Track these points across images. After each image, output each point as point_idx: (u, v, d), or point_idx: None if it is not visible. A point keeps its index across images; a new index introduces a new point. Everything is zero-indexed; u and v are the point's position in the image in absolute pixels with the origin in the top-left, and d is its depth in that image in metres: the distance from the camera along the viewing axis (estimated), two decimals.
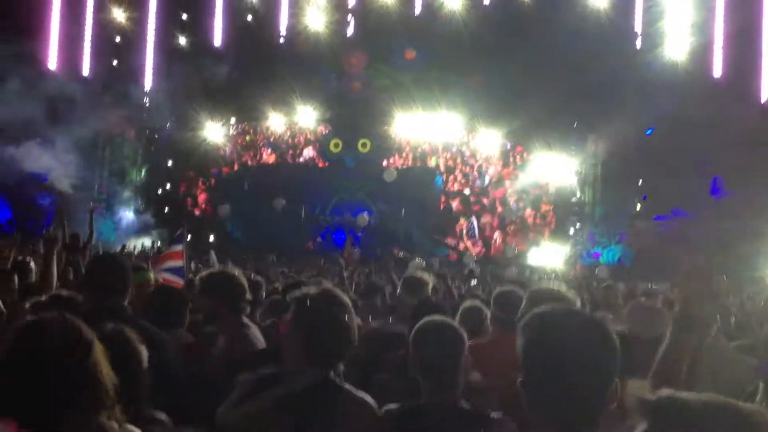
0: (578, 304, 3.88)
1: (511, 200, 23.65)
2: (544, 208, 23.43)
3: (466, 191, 24.30)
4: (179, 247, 8.06)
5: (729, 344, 4.97)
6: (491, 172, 24.38)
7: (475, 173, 24.50)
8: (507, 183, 23.97)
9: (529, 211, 23.44)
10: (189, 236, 8.48)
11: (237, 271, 4.59)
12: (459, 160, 24.74)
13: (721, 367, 4.51)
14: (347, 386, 3.03)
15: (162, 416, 2.85)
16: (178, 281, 7.61)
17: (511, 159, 24.24)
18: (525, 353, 2.10)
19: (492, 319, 4.79)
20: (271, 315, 5.41)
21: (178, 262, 7.89)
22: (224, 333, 4.21)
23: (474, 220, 23.78)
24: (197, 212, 24.72)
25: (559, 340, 2.06)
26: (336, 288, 3.36)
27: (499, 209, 23.70)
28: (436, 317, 3.46)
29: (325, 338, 3.08)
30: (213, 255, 12.71)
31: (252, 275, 6.52)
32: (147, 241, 20.05)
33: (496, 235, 23.47)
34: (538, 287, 4.30)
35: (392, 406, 3.17)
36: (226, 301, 4.23)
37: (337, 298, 3.17)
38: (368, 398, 3.04)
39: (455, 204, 24.10)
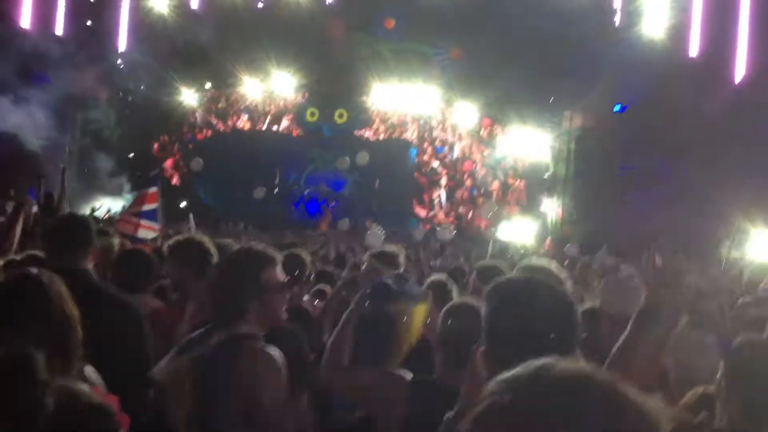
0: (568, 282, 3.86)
1: (480, 174, 23.71)
2: (513, 182, 23.52)
3: (435, 163, 24.33)
4: (154, 189, 8.00)
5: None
6: (462, 145, 24.42)
7: (446, 147, 24.54)
8: (477, 157, 24.02)
9: (496, 185, 23.53)
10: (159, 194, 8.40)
11: (204, 237, 4.59)
12: (429, 133, 24.74)
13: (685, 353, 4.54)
14: (251, 342, 3.00)
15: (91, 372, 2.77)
16: (154, 226, 7.58)
17: (482, 132, 24.27)
18: (488, 321, 2.13)
19: (476, 293, 4.79)
20: None
21: (153, 205, 7.84)
22: (191, 299, 4.21)
23: (443, 191, 23.85)
24: (171, 178, 24.49)
25: (522, 308, 2.09)
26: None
27: (468, 182, 23.76)
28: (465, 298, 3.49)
29: (226, 292, 3.13)
30: (192, 219, 12.63)
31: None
32: (116, 205, 19.84)
33: (464, 209, 23.57)
34: (528, 263, 4.29)
35: (406, 375, 3.20)
36: (192, 266, 4.24)
37: (248, 253, 3.22)
38: (274, 351, 2.99)
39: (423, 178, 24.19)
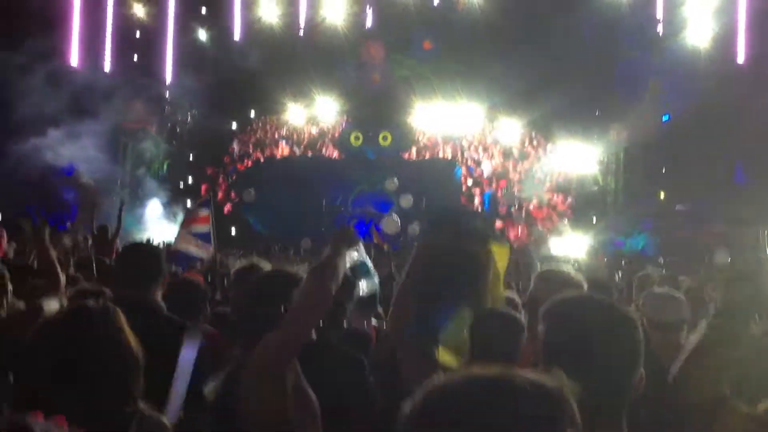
0: (585, 284, 3.80)
1: (519, 189, 23.54)
2: (559, 197, 23.28)
3: (469, 181, 24.25)
4: (206, 212, 8.07)
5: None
6: (503, 162, 24.30)
7: (487, 164, 24.44)
8: (517, 173, 23.87)
9: (536, 202, 23.29)
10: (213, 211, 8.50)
11: (267, 263, 4.61)
12: (470, 151, 24.68)
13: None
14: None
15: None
16: (207, 247, 7.66)
17: (526, 148, 24.14)
18: (547, 340, 2.10)
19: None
20: None
21: (205, 227, 7.92)
22: None
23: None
24: (222, 206, 24.78)
25: (582, 327, 2.04)
26: None
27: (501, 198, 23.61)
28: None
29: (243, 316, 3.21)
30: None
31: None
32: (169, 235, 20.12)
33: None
34: (548, 269, 4.24)
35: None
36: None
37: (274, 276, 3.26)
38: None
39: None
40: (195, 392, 3.41)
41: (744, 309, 2.71)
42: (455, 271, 3.24)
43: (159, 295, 3.94)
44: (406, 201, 22.65)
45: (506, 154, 24.32)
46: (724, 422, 2.70)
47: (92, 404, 2.26)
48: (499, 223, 22.53)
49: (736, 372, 3.21)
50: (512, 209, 23.43)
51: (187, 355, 3.44)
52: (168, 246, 14.34)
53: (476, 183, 24.29)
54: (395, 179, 22.89)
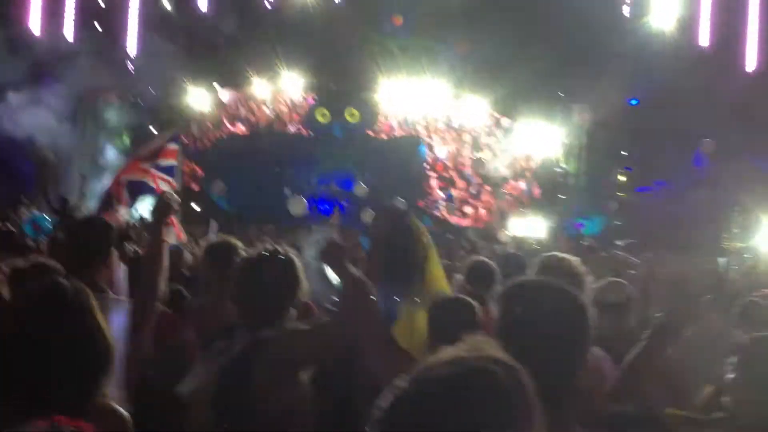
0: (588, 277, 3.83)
1: (485, 170, 23.61)
2: (523, 178, 23.42)
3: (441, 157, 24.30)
4: (174, 146, 7.93)
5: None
6: (468, 141, 24.32)
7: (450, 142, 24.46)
8: (484, 152, 23.92)
9: (511, 183, 23.41)
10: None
11: (237, 241, 4.58)
12: (438, 128, 24.68)
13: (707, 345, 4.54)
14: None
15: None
16: (172, 182, 7.50)
17: (491, 128, 24.18)
18: (501, 324, 2.15)
19: (459, 290, 4.77)
20: None
21: (171, 161, 7.78)
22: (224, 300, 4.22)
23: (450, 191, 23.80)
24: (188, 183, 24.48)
25: (536, 313, 2.09)
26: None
27: (477, 179, 23.66)
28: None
29: (253, 299, 3.08)
30: (214, 224, 12.55)
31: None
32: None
33: (470, 207, 23.49)
34: (548, 256, 4.25)
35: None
36: (225, 268, 4.18)
37: (277, 259, 3.16)
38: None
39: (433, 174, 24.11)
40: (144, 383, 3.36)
41: (687, 309, 2.77)
42: (407, 258, 3.29)
43: (107, 274, 3.87)
44: (361, 189, 22.60)
45: (470, 133, 24.32)
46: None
47: (62, 390, 2.18)
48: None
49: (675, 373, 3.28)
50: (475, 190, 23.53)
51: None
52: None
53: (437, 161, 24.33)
54: (363, 184, 22.78)
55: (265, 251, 3.30)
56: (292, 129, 25.27)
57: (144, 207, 10.40)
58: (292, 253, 3.28)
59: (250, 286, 3.12)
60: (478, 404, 1.31)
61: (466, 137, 24.37)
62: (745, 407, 2.69)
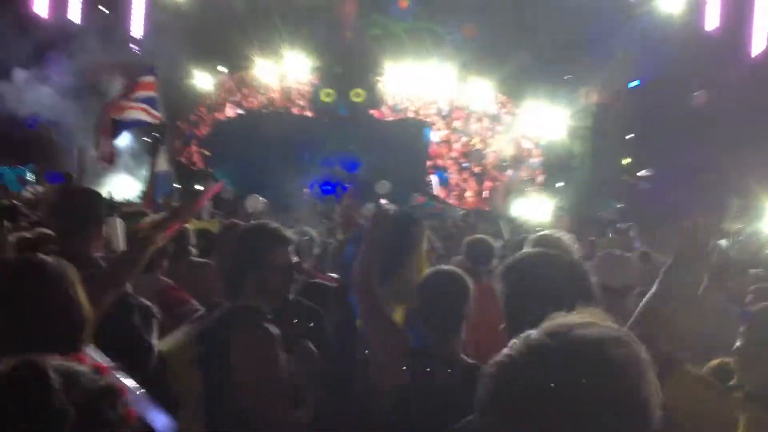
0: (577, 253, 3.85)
1: (491, 152, 23.65)
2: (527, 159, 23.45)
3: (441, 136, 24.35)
4: (151, 79, 7.75)
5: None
6: (474, 123, 24.34)
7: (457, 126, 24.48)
8: (488, 135, 23.94)
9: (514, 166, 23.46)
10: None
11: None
12: (442, 112, 24.71)
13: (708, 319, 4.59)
14: (253, 316, 3.07)
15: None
16: (156, 114, 7.31)
17: (497, 110, 24.18)
18: (507, 300, 2.22)
19: (463, 268, 4.80)
20: None
21: (150, 93, 7.63)
22: None
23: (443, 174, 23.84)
24: (191, 165, 24.51)
25: (540, 283, 2.18)
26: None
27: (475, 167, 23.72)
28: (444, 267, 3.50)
29: (230, 267, 3.16)
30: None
31: None
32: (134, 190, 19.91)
33: (469, 188, 23.56)
34: (539, 234, 4.28)
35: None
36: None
37: (256, 229, 3.29)
38: (271, 329, 3.05)
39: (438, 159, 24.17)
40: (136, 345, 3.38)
41: (695, 261, 2.79)
42: (406, 242, 3.33)
43: (96, 245, 3.83)
44: (383, 187, 22.51)
45: (475, 115, 24.34)
46: (672, 383, 2.78)
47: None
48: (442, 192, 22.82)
49: (682, 329, 3.31)
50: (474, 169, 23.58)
51: None
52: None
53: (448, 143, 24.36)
54: (386, 183, 22.66)
55: (248, 227, 3.42)
56: (296, 110, 25.29)
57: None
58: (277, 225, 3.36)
59: (226, 255, 3.28)
60: (621, 369, 1.32)
61: (471, 120, 24.39)
62: (753, 375, 2.73)
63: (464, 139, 24.24)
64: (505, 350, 1.39)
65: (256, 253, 3.19)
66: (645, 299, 2.80)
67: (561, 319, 1.43)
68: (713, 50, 19.91)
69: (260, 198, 16.25)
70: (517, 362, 1.35)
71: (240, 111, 25.42)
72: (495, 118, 24.15)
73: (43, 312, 2.38)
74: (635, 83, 21.33)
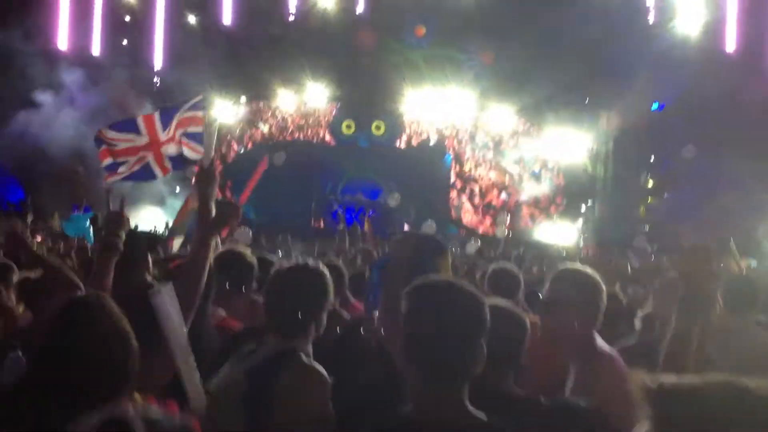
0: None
1: (512, 178, 23.68)
2: (552, 183, 23.44)
3: (467, 167, 24.37)
4: (200, 113, 7.12)
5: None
6: (494, 149, 24.41)
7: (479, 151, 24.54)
8: (510, 161, 23.99)
9: (536, 189, 23.46)
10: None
11: (246, 250, 4.62)
12: (461, 139, 24.76)
13: (751, 350, 4.50)
14: (305, 359, 3.04)
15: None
16: (199, 149, 6.90)
17: (518, 136, 24.23)
18: (405, 318, 2.30)
19: None
20: None
21: (198, 128, 7.08)
22: (228, 308, 4.28)
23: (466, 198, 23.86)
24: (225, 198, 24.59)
25: (435, 310, 2.25)
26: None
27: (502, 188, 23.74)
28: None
29: (287, 308, 3.15)
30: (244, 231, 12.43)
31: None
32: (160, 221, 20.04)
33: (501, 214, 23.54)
34: (565, 267, 4.22)
35: None
36: (232, 278, 4.32)
37: (308, 271, 3.23)
38: (320, 368, 3.03)
39: (459, 183, 24.20)
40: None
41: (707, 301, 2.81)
42: (430, 267, 3.31)
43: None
44: (394, 200, 22.51)
45: (496, 142, 24.38)
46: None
47: (90, 396, 2.26)
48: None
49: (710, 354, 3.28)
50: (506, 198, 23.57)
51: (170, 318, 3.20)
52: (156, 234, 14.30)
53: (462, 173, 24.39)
54: (397, 194, 22.67)
55: (297, 263, 3.39)
56: (317, 139, 25.42)
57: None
58: (322, 265, 3.35)
59: (280, 296, 3.23)
60: None
61: (491, 145, 24.45)
62: None
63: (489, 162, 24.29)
64: None
65: (323, 296, 3.22)
66: (668, 339, 2.82)
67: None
68: (733, 71, 19.87)
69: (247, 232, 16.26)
70: None
71: (260, 140, 25.57)
72: (515, 143, 24.16)
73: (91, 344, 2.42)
74: (656, 106, 21.29)
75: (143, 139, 6.61)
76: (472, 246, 16.42)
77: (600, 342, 3.43)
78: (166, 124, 6.84)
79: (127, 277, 3.79)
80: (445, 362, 2.19)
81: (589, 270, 3.59)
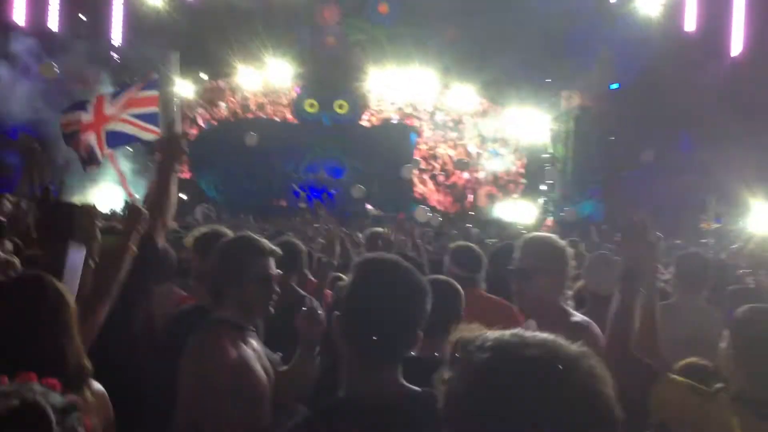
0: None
1: (475, 157, 23.80)
2: (515, 163, 23.59)
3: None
4: (152, 93, 6.68)
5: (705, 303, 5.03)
6: (457, 128, 24.50)
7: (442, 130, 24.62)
8: (473, 139, 24.08)
9: (500, 168, 23.61)
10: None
11: (225, 229, 4.54)
12: (427, 117, 24.80)
13: (696, 323, 4.63)
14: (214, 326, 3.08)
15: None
16: (155, 129, 6.44)
17: (479, 115, 24.32)
18: (347, 293, 2.31)
19: (449, 274, 4.71)
20: None
21: (151, 109, 6.63)
22: None
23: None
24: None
25: (374, 286, 2.25)
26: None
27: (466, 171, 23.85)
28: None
29: (213, 278, 3.22)
30: (199, 211, 12.37)
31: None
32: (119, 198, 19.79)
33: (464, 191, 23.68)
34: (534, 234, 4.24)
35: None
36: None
37: (240, 242, 3.29)
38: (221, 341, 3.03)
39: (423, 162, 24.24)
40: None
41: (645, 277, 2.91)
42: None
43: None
44: (358, 191, 22.41)
45: (458, 121, 24.45)
46: (660, 392, 2.79)
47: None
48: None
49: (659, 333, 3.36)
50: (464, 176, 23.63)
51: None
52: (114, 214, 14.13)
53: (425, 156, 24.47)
54: (361, 186, 22.54)
55: (232, 238, 3.44)
56: (279, 117, 25.24)
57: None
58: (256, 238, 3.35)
59: (210, 271, 3.25)
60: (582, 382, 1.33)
61: (452, 124, 24.51)
62: (739, 378, 2.73)
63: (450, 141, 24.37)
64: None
65: (235, 264, 3.15)
66: (611, 314, 2.88)
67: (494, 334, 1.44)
68: (693, 50, 20.06)
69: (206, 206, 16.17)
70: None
71: (221, 118, 25.32)
72: (476, 122, 24.25)
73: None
74: (615, 86, 21.46)
75: (88, 117, 6.40)
76: (422, 213, 16.39)
77: (573, 311, 3.50)
78: (114, 103, 6.60)
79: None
80: (382, 341, 2.15)
81: (555, 237, 3.64)
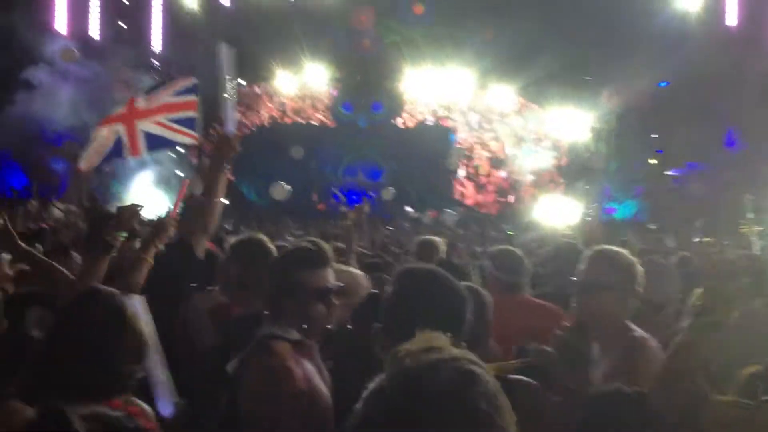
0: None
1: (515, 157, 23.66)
2: (554, 163, 23.41)
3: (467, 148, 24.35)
4: (191, 98, 6.59)
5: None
6: (497, 128, 24.34)
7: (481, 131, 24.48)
8: (512, 139, 23.93)
9: (540, 167, 23.43)
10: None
11: (263, 236, 4.48)
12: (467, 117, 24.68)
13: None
14: (271, 346, 2.95)
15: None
16: (192, 133, 6.40)
17: (519, 114, 24.17)
18: (389, 302, 2.34)
19: (491, 280, 4.63)
20: None
21: (189, 113, 6.52)
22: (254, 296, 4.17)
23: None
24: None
25: (417, 295, 2.29)
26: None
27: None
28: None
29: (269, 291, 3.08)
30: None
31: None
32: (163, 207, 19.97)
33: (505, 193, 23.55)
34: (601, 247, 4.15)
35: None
36: (253, 265, 4.07)
37: (294, 253, 3.14)
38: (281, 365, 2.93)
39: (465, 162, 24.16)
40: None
41: (726, 302, 2.74)
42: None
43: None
44: (388, 193, 22.39)
45: (497, 120, 24.31)
46: (708, 417, 2.72)
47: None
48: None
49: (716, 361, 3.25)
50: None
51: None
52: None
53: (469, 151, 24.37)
54: (391, 189, 22.53)
55: (287, 248, 3.34)
56: (316, 121, 25.32)
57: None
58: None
59: (267, 284, 3.13)
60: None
61: (488, 125, 24.39)
62: None
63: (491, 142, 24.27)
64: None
65: (290, 277, 2.97)
66: (681, 335, 2.76)
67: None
68: (734, 46, 19.75)
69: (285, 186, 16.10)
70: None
71: (259, 123, 25.48)
72: (516, 122, 24.10)
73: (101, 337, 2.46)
74: (664, 83, 21.17)
75: (119, 109, 6.31)
76: (450, 216, 16.25)
77: (633, 326, 3.36)
78: (147, 97, 6.48)
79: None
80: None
81: (625, 251, 3.53)
